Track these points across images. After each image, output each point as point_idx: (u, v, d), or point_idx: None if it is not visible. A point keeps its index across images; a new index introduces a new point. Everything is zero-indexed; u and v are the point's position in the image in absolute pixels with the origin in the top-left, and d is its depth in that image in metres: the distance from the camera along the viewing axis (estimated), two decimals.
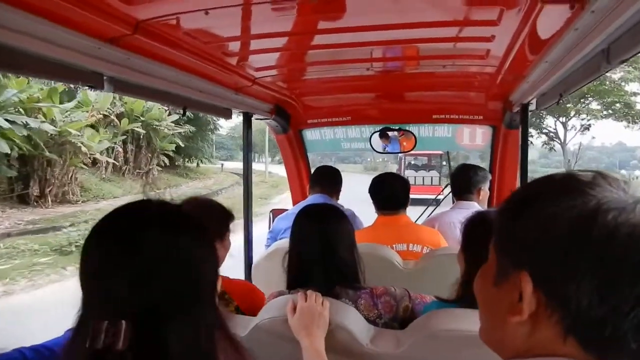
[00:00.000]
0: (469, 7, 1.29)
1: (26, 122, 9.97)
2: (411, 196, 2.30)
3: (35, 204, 11.33)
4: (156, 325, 0.62)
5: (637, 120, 21.69)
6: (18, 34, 0.92)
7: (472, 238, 1.31)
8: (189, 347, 0.64)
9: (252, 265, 2.36)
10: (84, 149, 11.69)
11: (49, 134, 10.78)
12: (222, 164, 28.28)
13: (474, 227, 1.32)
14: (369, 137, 3.02)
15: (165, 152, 17.41)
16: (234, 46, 1.62)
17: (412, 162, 19.99)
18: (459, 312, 1.18)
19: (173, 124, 16.96)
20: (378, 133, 2.98)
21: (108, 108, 14.39)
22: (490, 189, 2.68)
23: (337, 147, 3.38)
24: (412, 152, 3.24)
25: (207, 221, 0.73)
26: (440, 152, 13.04)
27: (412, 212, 2.48)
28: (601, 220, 0.47)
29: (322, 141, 3.27)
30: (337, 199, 2.67)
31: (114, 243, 0.65)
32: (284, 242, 1.89)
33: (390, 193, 2.23)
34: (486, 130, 3.00)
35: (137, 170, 16.33)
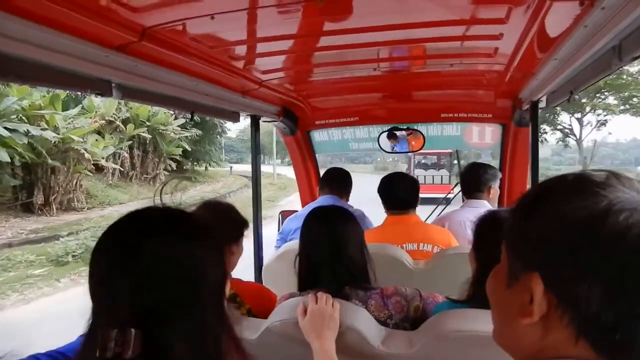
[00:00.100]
0: (476, 5, 1.27)
1: (27, 130, 9.93)
2: (421, 195, 2.29)
3: (39, 212, 11.31)
4: (160, 328, 0.62)
5: None
6: (27, 44, 0.94)
7: (484, 237, 1.30)
8: (194, 350, 0.64)
9: (263, 268, 2.36)
10: (87, 155, 11.70)
11: (52, 142, 10.76)
12: (231, 167, 28.42)
13: (486, 226, 1.31)
14: (377, 137, 3.02)
15: (172, 156, 17.51)
16: (241, 50, 1.63)
17: (422, 161, 19.91)
18: (470, 313, 1.17)
19: (179, 128, 17.07)
20: (386, 133, 2.97)
21: (113, 114, 14.50)
22: (501, 187, 2.65)
23: (345, 147, 3.38)
24: (421, 151, 3.22)
25: (222, 225, 0.74)
26: (450, 150, 12.96)
27: (422, 212, 2.46)
28: (612, 221, 0.46)
29: (330, 142, 3.27)
30: (347, 200, 2.68)
31: (120, 249, 0.66)
32: (294, 244, 1.90)
33: (399, 192, 2.22)
34: (495, 129, 2.98)
35: (145, 176, 16.46)
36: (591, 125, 24.57)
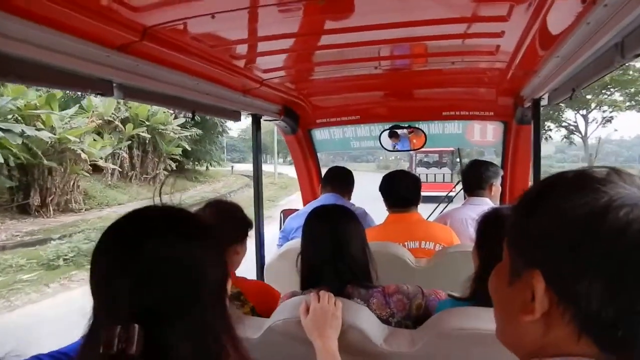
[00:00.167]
0: (478, 3, 1.27)
1: (22, 130, 9.77)
2: (422, 193, 2.28)
3: (36, 213, 11.18)
4: (160, 328, 0.63)
5: None
6: (28, 44, 0.94)
7: (486, 235, 1.30)
8: (194, 350, 0.64)
9: (265, 266, 2.37)
10: (83, 155, 11.57)
11: (48, 142, 10.60)
12: (232, 167, 28.40)
13: (489, 224, 1.31)
14: (378, 136, 3.01)
15: (172, 156, 17.43)
16: (242, 49, 1.63)
17: (424, 160, 19.88)
18: (472, 311, 1.17)
19: (179, 128, 16.98)
20: (388, 131, 2.97)
21: (112, 113, 14.40)
22: (503, 184, 2.65)
23: (347, 146, 3.38)
24: (423, 149, 3.22)
25: (228, 225, 0.74)
26: (451, 148, 12.95)
27: (424, 210, 2.46)
28: (612, 217, 0.46)
29: (332, 140, 3.27)
30: (349, 198, 2.68)
31: (120, 249, 0.66)
32: (296, 243, 1.90)
33: (400, 190, 2.22)
34: (497, 126, 2.97)
35: (144, 176, 16.38)
36: (597, 122, 24.50)
